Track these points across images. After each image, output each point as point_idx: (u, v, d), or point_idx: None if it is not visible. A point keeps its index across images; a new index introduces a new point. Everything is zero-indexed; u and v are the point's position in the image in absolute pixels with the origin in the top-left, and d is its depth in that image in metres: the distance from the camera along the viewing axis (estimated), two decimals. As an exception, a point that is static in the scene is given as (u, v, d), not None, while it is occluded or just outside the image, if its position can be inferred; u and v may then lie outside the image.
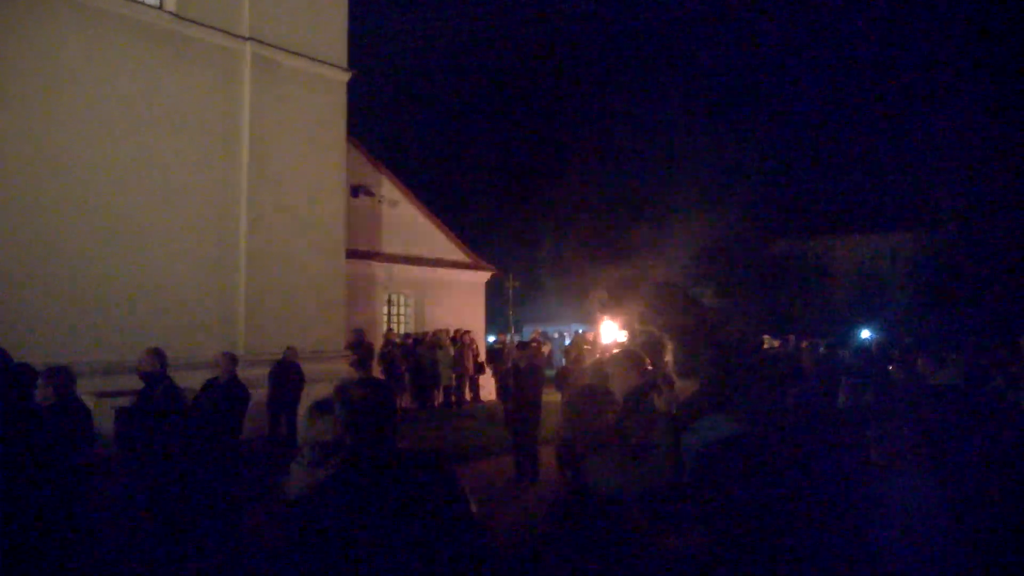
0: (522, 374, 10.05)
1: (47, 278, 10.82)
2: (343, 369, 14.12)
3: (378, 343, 16.55)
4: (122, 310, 11.51)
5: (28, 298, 10.57)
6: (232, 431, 7.18)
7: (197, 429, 6.63)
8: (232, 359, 7.87)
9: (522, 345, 11.28)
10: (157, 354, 6.95)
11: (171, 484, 5.94)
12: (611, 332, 9.82)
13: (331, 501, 2.46)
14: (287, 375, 11.84)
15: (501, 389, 11.34)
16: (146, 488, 6.08)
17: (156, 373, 6.78)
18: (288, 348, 12.12)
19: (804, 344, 15.05)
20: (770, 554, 3.34)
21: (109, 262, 11.47)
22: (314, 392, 9.99)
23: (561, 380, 10.82)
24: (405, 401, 16.66)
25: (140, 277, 11.80)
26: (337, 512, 2.42)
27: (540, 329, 22.50)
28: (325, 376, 13.01)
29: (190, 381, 11.77)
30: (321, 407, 3.34)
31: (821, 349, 15.55)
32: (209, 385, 7.68)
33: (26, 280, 10.61)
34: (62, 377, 5.42)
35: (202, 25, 12.76)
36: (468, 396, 18.25)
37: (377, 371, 15.68)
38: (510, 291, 14.35)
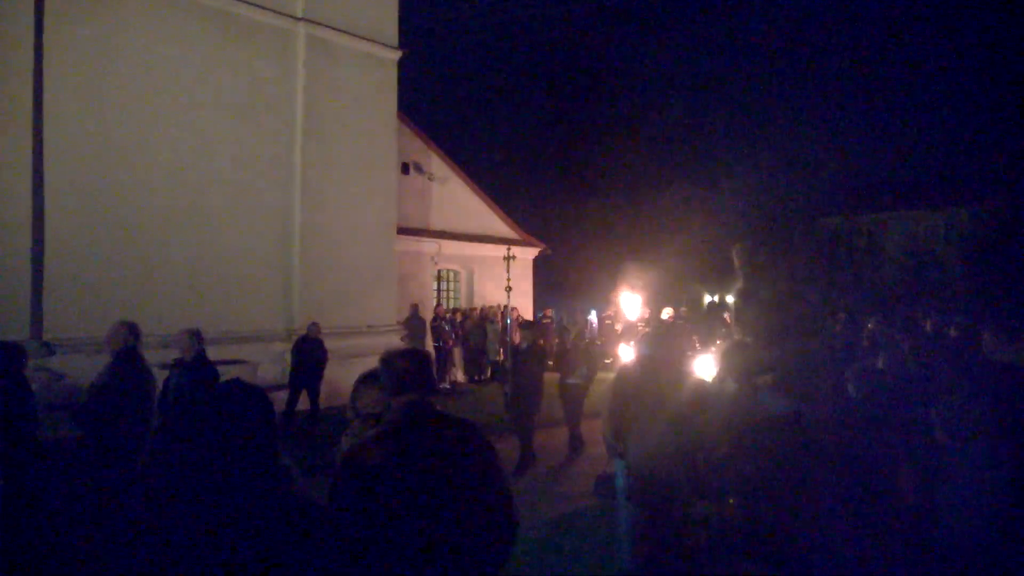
0: (521, 355, 9.53)
1: (110, 254, 11.17)
2: (395, 343, 14.37)
3: (429, 318, 16.79)
4: (182, 285, 11.86)
5: (90, 273, 10.95)
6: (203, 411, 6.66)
7: (168, 411, 6.40)
8: (192, 336, 6.94)
9: (527, 324, 10.64)
10: (128, 327, 6.28)
11: (143, 466, 5.73)
12: (634, 308, 9.65)
13: (374, 455, 2.63)
14: (310, 350, 11.74)
15: (500, 371, 11.11)
16: (112, 469, 5.68)
17: (128, 348, 6.17)
18: (311, 323, 12.02)
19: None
20: (794, 529, 3.41)
21: (169, 238, 11.81)
22: (367, 365, 10.19)
23: (560, 361, 10.55)
24: (455, 376, 16.89)
25: (199, 252, 12.14)
26: (379, 466, 2.60)
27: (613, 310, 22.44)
28: (378, 349, 13.26)
29: (247, 353, 12.24)
30: (368, 379, 3.45)
31: (869, 326, 15.34)
32: (176, 365, 7.01)
33: (90, 256, 10.98)
34: (14, 355, 5.26)
35: (257, 6, 12.98)
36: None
37: (428, 345, 15.95)
38: (508, 262, 14.18)
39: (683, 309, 19.50)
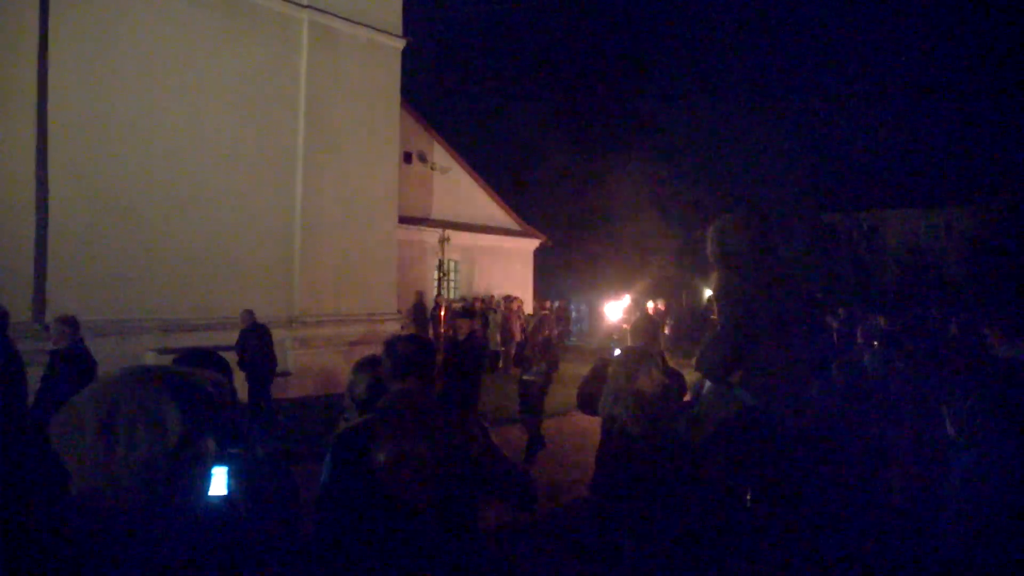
0: (457, 348, 8.53)
1: (111, 238, 11.18)
2: (395, 331, 14.43)
3: (430, 308, 16.86)
4: (183, 270, 11.88)
5: (93, 257, 10.96)
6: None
7: (42, 406, 5.96)
8: (65, 323, 6.23)
9: (465, 312, 9.47)
10: None
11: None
12: (616, 311, 9.14)
13: (364, 439, 2.66)
14: (252, 340, 10.71)
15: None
16: None
17: None
18: (246, 311, 10.93)
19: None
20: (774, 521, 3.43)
21: (170, 224, 11.81)
22: (366, 352, 10.11)
23: (520, 355, 10.09)
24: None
25: (200, 238, 12.15)
26: (369, 450, 2.61)
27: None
28: (378, 337, 13.32)
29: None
30: (364, 366, 3.45)
31: (881, 321, 15.43)
32: (51, 357, 6.34)
33: (91, 240, 10.99)
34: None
35: (262, -8, 12.96)
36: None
37: (430, 334, 16.00)
38: (443, 245, 13.95)
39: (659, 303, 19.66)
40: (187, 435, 1.32)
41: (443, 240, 14.27)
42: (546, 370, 9.46)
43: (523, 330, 18.67)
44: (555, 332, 20.96)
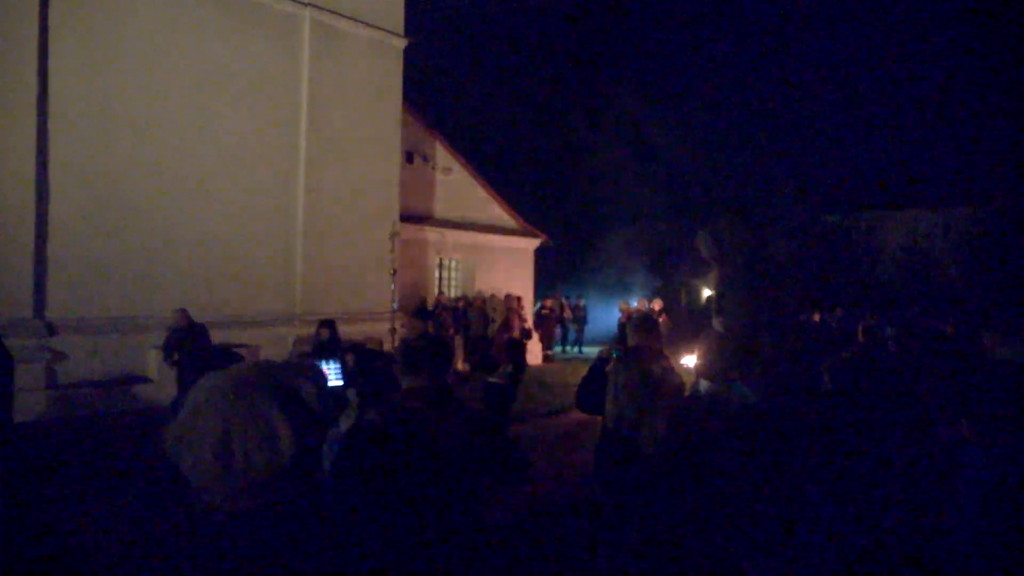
0: None
1: (114, 236, 11.24)
2: (397, 330, 14.46)
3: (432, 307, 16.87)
4: (185, 268, 11.94)
5: (94, 255, 11.03)
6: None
7: None
8: None
9: (422, 313, 9.00)
10: None
11: None
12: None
13: (382, 431, 2.73)
14: (187, 341, 9.80)
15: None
16: None
17: None
18: (179, 310, 10.08)
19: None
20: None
21: (173, 221, 11.86)
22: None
23: (485, 355, 9.62)
24: (456, 364, 16.97)
25: (203, 236, 12.19)
26: (387, 441, 2.69)
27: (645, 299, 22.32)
28: (379, 337, 13.35)
29: (249, 337, 12.30)
30: (364, 364, 3.50)
31: (895, 328, 15.46)
32: None
33: (94, 237, 11.05)
34: None
35: (264, -10, 12.98)
36: (514, 360, 18.48)
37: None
38: (393, 240, 13.77)
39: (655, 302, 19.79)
40: (299, 451, 1.38)
41: (394, 235, 14.25)
42: (512, 372, 8.82)
43: (523, 328, 18.73)
44: (554, 333, 21.11)
